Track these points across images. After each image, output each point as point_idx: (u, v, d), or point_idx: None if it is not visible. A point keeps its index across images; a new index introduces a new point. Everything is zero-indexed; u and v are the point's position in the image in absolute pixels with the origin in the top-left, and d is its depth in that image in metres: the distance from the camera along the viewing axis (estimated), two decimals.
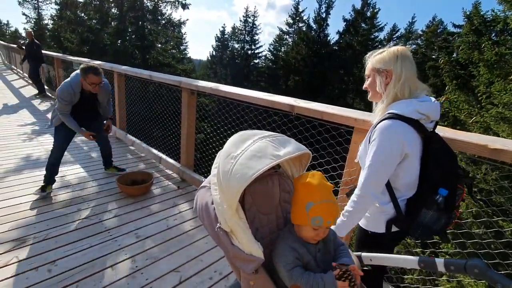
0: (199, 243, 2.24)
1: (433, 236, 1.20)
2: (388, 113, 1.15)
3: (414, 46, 23.37)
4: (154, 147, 4.12)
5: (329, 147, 2.08)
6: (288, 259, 0.87)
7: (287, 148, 0.96)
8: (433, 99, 1.19)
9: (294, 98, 2.19)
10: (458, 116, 4.72)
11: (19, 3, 23.19)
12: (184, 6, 13.09)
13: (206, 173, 3.71)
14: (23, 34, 21.96)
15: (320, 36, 23.69)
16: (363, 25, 23.10)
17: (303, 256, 0.89)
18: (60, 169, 2.84)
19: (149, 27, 12.89)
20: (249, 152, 0.89)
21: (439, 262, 0.90)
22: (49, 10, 25.16)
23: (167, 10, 13.75)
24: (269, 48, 29.04)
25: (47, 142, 4.17)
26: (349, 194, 1.32)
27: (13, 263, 1.84)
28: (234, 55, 30.72)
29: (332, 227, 1.21)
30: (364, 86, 1.31)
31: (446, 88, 6.22)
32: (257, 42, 30.12)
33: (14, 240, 2.05)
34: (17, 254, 1.92)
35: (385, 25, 23.42)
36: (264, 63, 29.42)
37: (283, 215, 1.11)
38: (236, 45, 31.44)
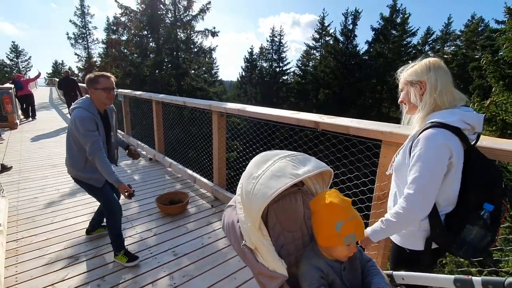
0: (232, 261, 2.28)
1: (477, 255, 1.11)
2: (431, 122, 1.10)
3: (453, 47, 22.00)
4: (189, 168, 4.33)
5: (358, 161, 2.04)
6: (313, 279, 0.88)
7: (307, 167, 1.00)
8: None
9: (319, 114, 2.21)
10: (508, 120, 4.30)
11: (72, 45, 26.58)
12: (214, 34, 13.98)
13: None
14: (76, 72, 25.11)
15: (348, 47, 23.38)
16: (393, 32, 22.41)
17: (328, 275, 0.89)
18: None
19: (182, 56, 13.91)
20: (269, 172, 0.94)
21: (477, 281, 0.84)
22: (97, 49, 28.33)
23: (198, 39, 14.77)
24: (297, 64, 29.37)
25: None
26: None
27: (67, 279, 2.04)
28: (263, 74, 31.44)
29: (368, 231, 1.21)
30: (399, 100, 1.29)
31: (493, 90, 5.74)
32: (284, 59, 30.60)
33: (68, 257, 2.28)
34: (71, 271, 2.12)
35: (418, 29, 22.48)
36: (293, 79, 29.68)
37: (308, 232, 1.13)
38: (265, 64, 32.22)
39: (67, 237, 2.57)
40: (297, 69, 29.16)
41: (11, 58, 32.30)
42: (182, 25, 13.51)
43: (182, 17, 13.69)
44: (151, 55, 13.66)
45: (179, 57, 13.71)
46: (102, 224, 2.64)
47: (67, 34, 26.40)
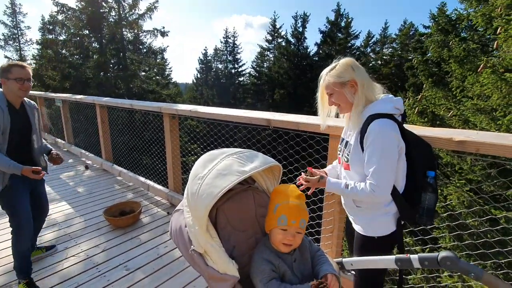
0: (191, 268, 2.18)
1: (435, 216, 1.23)
2: (371, 115, 1.19)
3: (391, 49, 24.27)
4: (142, 175, 4.07)
5: (309, 156, 2.11)
6: (264, 273, 0.87)
7: (254, 163, 0.98)
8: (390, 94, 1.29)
9: (271, 112, 2.23)
10: (437, 112, 4.86)
11: (1, 47, 23.32)
12: (163, 34, 13.42)
13: None
14: None
15: (300, 49, 24.43)
16: (339, 34, 23.98)
17: (279, 267, 0.89)
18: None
19: (130, 57, 13.08)
20: (215, 171, 0.90)
21: (414, 258, 0.91)
22: (31, 51, 25.29)
23: (147, 39, 14.03)
24: (252, 65, 29.69)
25: None
26: None
27: None
28: (219, 75, 31.19)
29: (331, 181, 1.32)
30: (331, 103, 1.32)
31: (424, 86, 6.44)
32: (239, 60, 30.75)
33: (1, 286, 1.96)
34: None
35: (360, 32, 24.35)
36: (249, 80, 29.96)
37: (262, 230, 1.11)
38: (220, 66, 32.01)
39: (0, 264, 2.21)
40: (253, 70, 29.51)
41: None
42: (128, 24, 12.67)
43: (127, 15, 12.84)
44: (94, 56, 12.56)
45: (126, 58, 12.86)
46: (37, 245, 2.33)
47: None
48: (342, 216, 1.90)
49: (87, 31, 12.42)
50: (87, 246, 2.50)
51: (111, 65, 12.69)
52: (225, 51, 30.84)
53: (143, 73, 14.75)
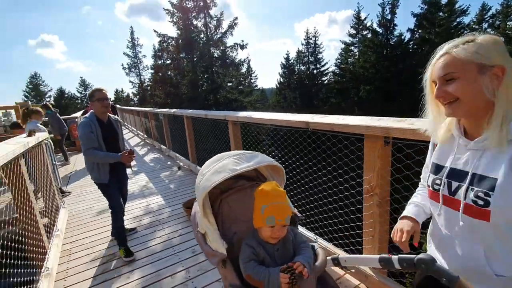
0: None
1: None
2: None
3: None
4: None
5: (346, 157, 2.07)
6: (245, 254, 1.04)
7: (248, 163, 1.16)
8: None
9: (312, 114, 2.28)
10: None
11: (126, 74, 30.15)
12: (242, 47, 14.79)
13: None
14: (132, 97, 28.47)
15: (389, 38, 22.06)
16: (440, 14, 20.47)
17: (259, 253, 1.04)
18: (146, 199, 3.48)
19: (217, 71, 14.87)
20: (213, 170, 1.13)
21: (395, 259, 0.90)
22: (147, 75, 31.80)
23: (229, 53, 15.58)
24: (335, 63, 28.61)
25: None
26: None
27: (107, 271, 2.45)
28: (301, 78, 31.29)
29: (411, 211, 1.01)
30: (441, 93, 0.83)
31: None
32: (321, 60, 30.08)
33: (109, 254, 2.72)
34: (110, 265, 2.55)
35: (468, 7, 20.15)
36: (333, 79, 28.94)
37: None
38: (302, 67, 32.10)
39: (110, 238, 3.05)
40: (336, 68, 28.39)
41: (80, 91, 37.81)
42: (214, 43, 14.49)
43: (213, 36, 14.70)
44: (189, 74, 14.88)
45: (213, 73, 14.66)
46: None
47: (122, 65, 30.22)
48: (382, 219, 1.81)
49: (183, 54, 14.88)
50: (169, 230, 3.11)
51: (201, 81, 14.74)
52: (307, 53, 30.72)
53: (229, 84, 16.41)
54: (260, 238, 1.07)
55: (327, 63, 30.00)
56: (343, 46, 27.71)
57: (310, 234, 2.44)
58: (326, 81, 30.13)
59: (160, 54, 20.50)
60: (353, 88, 24.09)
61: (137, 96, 28.02)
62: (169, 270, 2.40)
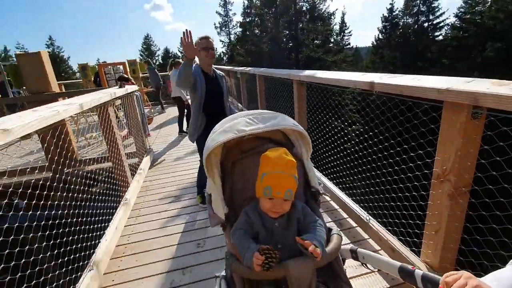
0: None
1: None
2: None
3: None
4: None
5: (418, 131, 1.62)
6: (239, 221, 0.95)
7: (262, 124, 1.01)
8: None
9: (378, 73, 1.85)
10: None
11: (218, 33, 31.40)
12: None
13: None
14: (222, 56, 29.98)
15: None
16: None
17: (253, 223, 0.93)
18: None
19: (301, 27, 13.80)
20: (221, 129, 1.03)
21: (418, 274, 0.66)
22: (237, 34, 32.46)
23: (319, 4, 14.07)
24: (456, 13, 22.69)
25: None
26: None
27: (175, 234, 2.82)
28: (406, 33, 26.24)
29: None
30: None
31: None
32: (437, 9, 24.28)
33: (191, 193, 3.11)
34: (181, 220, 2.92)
35: None
36: (449, 34, 23.27)
37: None
38: (410, 20, 26.66)
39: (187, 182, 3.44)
40: (457, 19, 22.55)
41: (181, 51, 41.98)
42: None
43: None
44: (272, 30, 14.33)
45: (298, 29, 13.69)
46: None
47: (214, 24, 31.55)
48: (453, 214, 1.40)
49: (265, 10, 14.25)
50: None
51: (284, 38, 14.05)
52: (418, 0, 25.13)
53: (315, 42, 15.19)
54: (258, 206, 0.96)
55: (444, 13, 24.08)
56: None
57: (362, 213, 2.17)
58: (439, 37, 24.53)
59: (248, 11, 20.39)
60: (476, 46, 18.85)
61: (226, 55, 29.25)
62: None
